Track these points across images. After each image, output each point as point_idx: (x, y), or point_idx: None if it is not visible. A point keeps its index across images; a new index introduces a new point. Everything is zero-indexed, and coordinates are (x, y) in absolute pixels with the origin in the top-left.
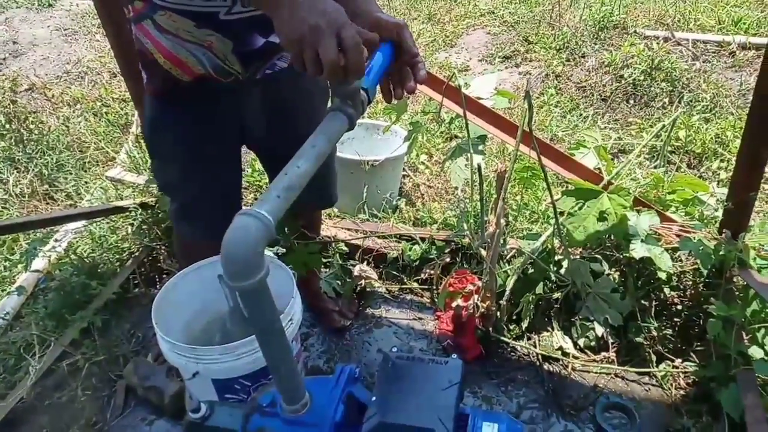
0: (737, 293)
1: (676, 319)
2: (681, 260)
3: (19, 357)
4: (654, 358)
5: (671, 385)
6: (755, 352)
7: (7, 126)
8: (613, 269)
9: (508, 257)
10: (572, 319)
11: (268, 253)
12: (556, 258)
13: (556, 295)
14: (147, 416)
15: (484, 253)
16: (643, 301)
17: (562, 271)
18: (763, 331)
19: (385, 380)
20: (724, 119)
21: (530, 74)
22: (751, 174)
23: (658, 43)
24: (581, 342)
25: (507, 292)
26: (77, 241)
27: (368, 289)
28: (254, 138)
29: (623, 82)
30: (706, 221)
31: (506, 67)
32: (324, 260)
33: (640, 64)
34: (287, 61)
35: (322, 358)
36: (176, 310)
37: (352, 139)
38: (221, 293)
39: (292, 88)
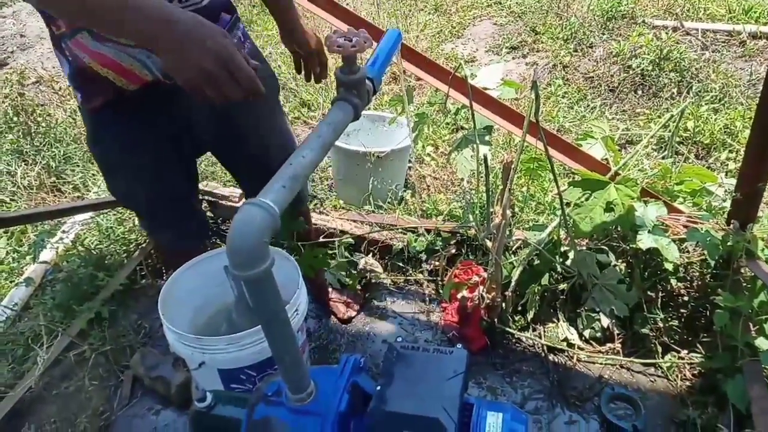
0: (744, 284)
1: (682, 311)
2: (688, 251)
3: (27, 347)
4: (660, 349)
5: (677, 376)
6: (762, 343)
7: (15, 119)
8: (620, 260)
9: (513, 248)
10: (578, 311)
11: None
12: (562, 249)
13: (562, 286)
14: (154, 406)
15: (489, 244)
16: (649, 293)
17: (568, 262)
18: None
19: (390, 370)
20: (734, 109)
21: (537, 65)
22: (761, 164)
23: (667, 33)
24: (587, 333)
25: (512, 284)
26: (84, 233)
27: (374, 281)
28: (206, 136)
29: (631, 72)
30: (714, 212)
31: (513, 58)
32: (329, 251)
33: (648, 54)
34: None
35: (327, 349)
36: (183, 301)
37: (358, 131)
38: (227, 284)
39: None
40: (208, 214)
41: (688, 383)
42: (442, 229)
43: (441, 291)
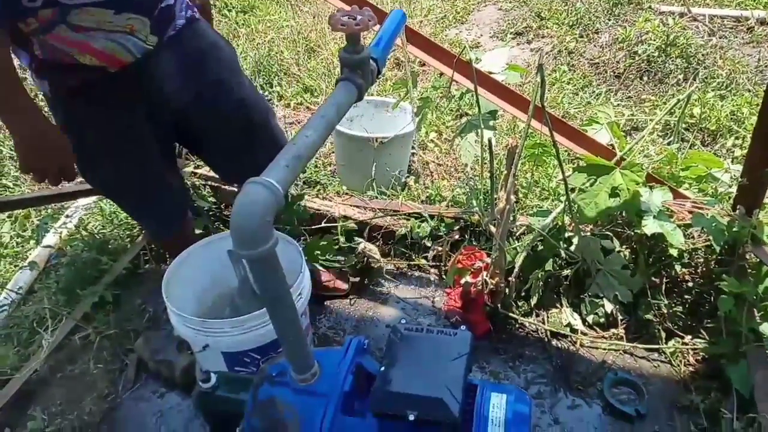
0: (750, 270)
1: (686, 296)
2: (693, 237)
3: (33, 331)
4: (663, 334)
5: (680, 361)
6: (766, 328)
7: None
8: (624, 246)
9: (517, 234)
10: (581, 296)
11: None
12: (567, 235)
13: (566, 271)
14: (158, 389)
15: (493, 229)
16: (653, 278)
17: (572, 247)
18: None
19: (394, 351)
20: (740, 96)
21: (542, 51)
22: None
23: (673, 19)
24: (590, 319)
25: (516, 269)
26: (88, 217)
27: (375, 267)
28: (185, 96)
29: (637, 58)
30: (719, 198)
31: (518, 44)
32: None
33: (654, 40)
34: (184, 17)
35: (329, 333)
36: (186, 284)
37: (361, 116)
38: (230, 268)
39: (194, 38)
40: (210, 199)
41: (691, 368)
42: (445, 215)
43: (444, 276)
